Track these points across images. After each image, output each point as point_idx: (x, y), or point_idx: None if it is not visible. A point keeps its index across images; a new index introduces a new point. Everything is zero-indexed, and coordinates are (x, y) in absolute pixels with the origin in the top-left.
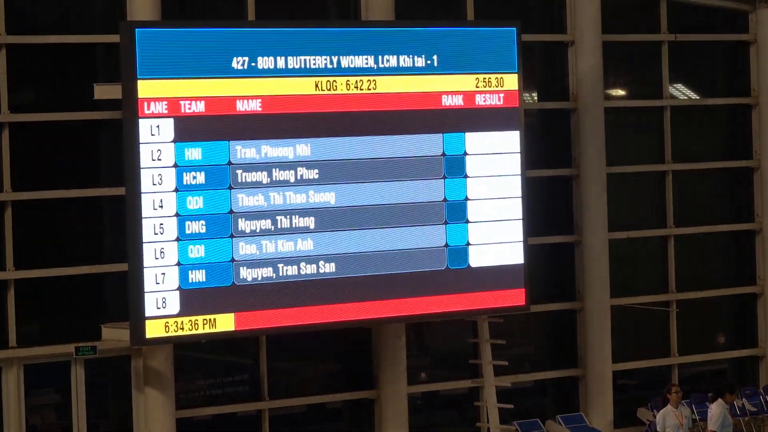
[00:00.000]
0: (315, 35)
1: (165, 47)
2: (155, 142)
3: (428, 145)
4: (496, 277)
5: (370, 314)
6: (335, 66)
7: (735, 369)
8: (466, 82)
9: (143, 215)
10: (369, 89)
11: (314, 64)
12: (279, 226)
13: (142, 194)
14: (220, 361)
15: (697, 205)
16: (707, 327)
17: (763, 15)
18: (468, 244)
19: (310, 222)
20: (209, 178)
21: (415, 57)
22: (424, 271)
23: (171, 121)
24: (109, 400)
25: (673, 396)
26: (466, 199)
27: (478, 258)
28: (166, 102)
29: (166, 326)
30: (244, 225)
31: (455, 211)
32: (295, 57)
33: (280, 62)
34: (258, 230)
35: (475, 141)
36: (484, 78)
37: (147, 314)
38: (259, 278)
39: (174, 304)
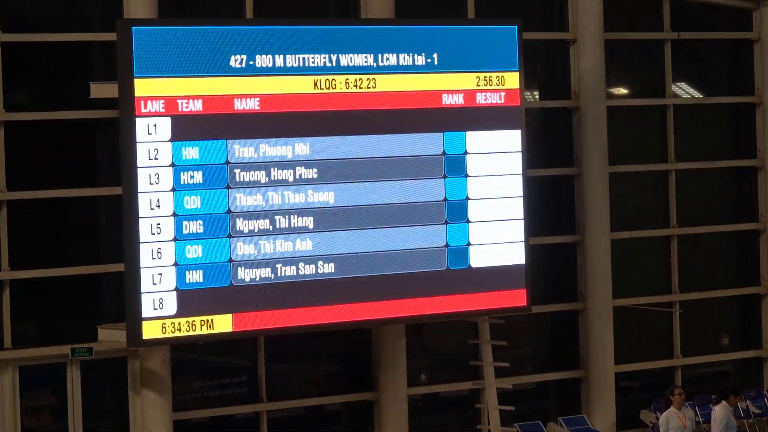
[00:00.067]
0: (314, 33)
1: (162, 45)
2: (152, 141)
3: (428, 144)
4: (497, 277)
5: (369, 315)
6: (334, 64)
7: (739, 371)
8: (466, 80)
9: (140, 215)
10: (368, 88)
11: (313, 62)
12: (277, 226)
13: (139, 194)
14: (218, 362)
15: (700, 205)
16: (711, 328)
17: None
18: (469, 244)
19: (308, 222)
20: (207, 177)
21: (415, 55)
22: (425, 271)
23: (168, 119)
24: (106, 402)
25: (677, 398)
26: (467, 198)
27: (478, 258)
28: (163, 100)
29: (163, 327)
30: (242, 225)
31: (456, 211)
32: (293, 55)
33: (279, 60)
34: (256, 230)
35: (475, 140)
36: (485, 76)
37: (144, 315)
38: (258, 279)
39: (171, 305)
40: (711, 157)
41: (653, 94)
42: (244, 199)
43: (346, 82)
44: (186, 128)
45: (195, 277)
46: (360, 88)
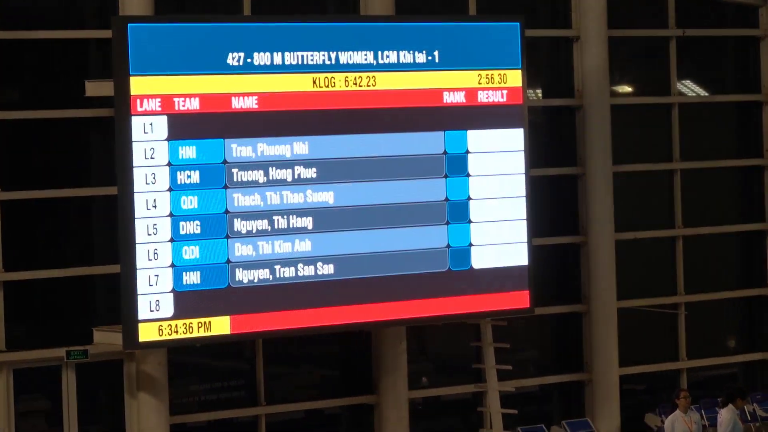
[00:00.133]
0: (313, 30)
1: (158, 43)
2: (148, 140)
3: (429, 143)
4: (499, 278)
5: (369, 317)
6: (333, 62)
7: (745, 373)
8: (468, 78)
9: (136, 215)
10: (368, 86)
11: (312, 60)
12: (276, 227)
13: (135, 194)
14: (216, 365)
15: (706, 205)
16: (717, 330)
17: None
18: (470, 245)
19: (308, 222)
20: (204, 177)
21: (416, 53)
22: (426, 272)
23: (164, 118)
24: (101, 405)
25: (682, 401)
26: (469, 198)
27: (481, 259)
28: (159, 99)
29: (159, 329)
30: (240, 225)
31: (457, 211)
32: (292, 53)
33: (277, 58)
34: (254, 231)
35: (477, 139)
36: (487, 74)
37: (140, 317)
38: (256, 280)
39: (168, 307)
40: (717, 156)
41: (658, 92)
42: (242, 200)
43: (345, 80)
44: (183, 127)
45: (192, 278)
46: (360, 86)
